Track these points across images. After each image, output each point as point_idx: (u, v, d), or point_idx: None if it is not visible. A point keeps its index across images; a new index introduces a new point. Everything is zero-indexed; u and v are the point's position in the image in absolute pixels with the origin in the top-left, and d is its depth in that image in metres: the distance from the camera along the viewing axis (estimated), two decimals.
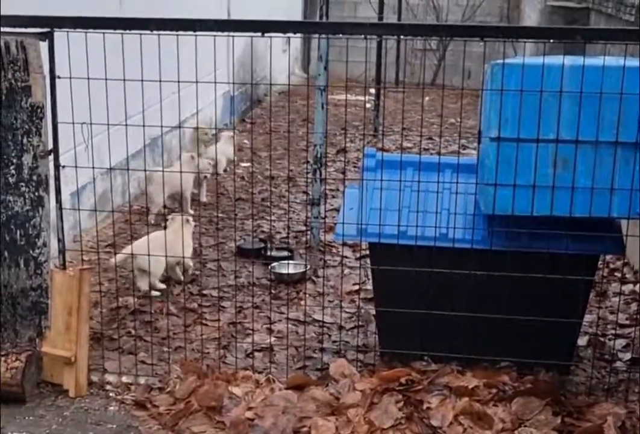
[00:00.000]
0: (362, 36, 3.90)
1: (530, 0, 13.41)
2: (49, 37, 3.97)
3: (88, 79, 3.94)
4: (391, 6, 12.84)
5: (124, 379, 4.27)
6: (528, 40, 3.95)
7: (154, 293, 5.21)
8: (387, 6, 11.30)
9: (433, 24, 12.02)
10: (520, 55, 3.87)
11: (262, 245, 6.17)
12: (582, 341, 4.64)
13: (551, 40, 3.76)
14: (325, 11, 6.18)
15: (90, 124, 4.10)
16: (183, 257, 5.04)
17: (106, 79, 3.91)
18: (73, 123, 4.13)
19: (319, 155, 5.90)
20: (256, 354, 4.59)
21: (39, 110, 4.01)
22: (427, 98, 11.78)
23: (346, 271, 5.66)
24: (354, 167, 8.47)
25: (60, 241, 4.22)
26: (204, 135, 7.68)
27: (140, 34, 3.85)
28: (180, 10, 7.92)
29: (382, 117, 10.17)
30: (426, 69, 13.92)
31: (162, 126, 4.42)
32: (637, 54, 4.08)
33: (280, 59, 12.23)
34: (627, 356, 4.57)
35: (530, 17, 12.90)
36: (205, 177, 7.12)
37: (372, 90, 10.96)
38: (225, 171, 8.14)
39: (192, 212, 6.73)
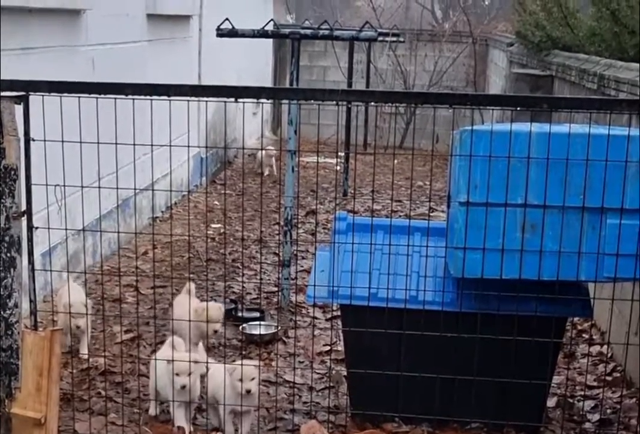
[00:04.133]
0: (334, 102, 3.99)
1: (495, 67, 13.71)
2: (24, 100, 4.01)
3: (62, 141, 3.99)
4: (360, 71, 13.10)
5: None
6: (495, 108, 4.05)
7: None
8: (355, 71, 11.53)
9: (403, 91, 12.28)
10: (487, 121, 3.96)
11: (233, 306, 6.18)
12: (551, 402, 4.67)
13: (518, 108, 3.87)
14: (295, 76, 6.29)
15: (64, 185, 4.13)
16: None
17: (81, 142, 3.96)
18: (46, 185, 4.16)
19: (289, 217, 5.97)
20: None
21: (12, 172, 4.02)
22: (395, 161, 11.93)
23: (317, 331, 5.68)
24: (324, 228, 8.53)
25: (32, 301, 4.22)
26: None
27: (115, 98, 3.90)
28: (150, 74, 8.05)
29: (351, 179, 10.30)
30: (394, 133, 14.13)
31: (135, 189, 4.48)
32: (601, 121, 4.20)
33: (251, 121, 12.37)
34: (596, 417, 4.60)
35: (496, 82, 13.17)
36: None
37: (341, 153, 11.10)
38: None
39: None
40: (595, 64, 6.90)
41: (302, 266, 7.18)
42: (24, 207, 4.11)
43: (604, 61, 6.84)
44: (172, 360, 4.25)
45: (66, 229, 4.34)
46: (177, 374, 4.23)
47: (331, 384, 4.89)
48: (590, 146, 3.71)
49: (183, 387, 4.22)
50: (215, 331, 4.99)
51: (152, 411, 4.62)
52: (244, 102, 3.93)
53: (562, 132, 3.77)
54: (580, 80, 7.14)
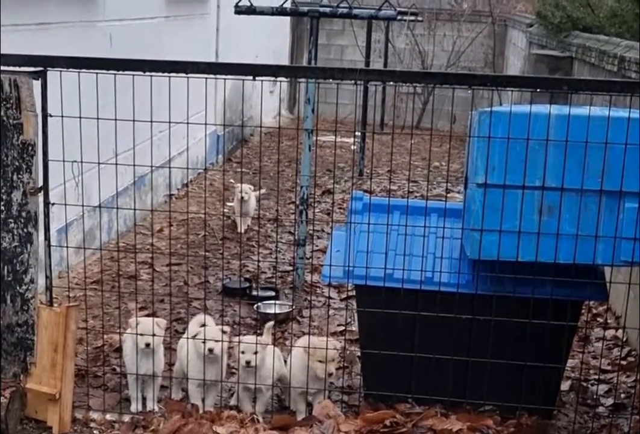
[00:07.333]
0: (353, 81, 3.96)
1: (514, 47, 13.60)
2: (42, 76, 4.01)
3: (80, 118, 3.98)
4: (378, 50, 13.02)
5: (108, 416, 4.26)
6: (515, 89, 4.02)
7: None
8: (373, 50, 11.46)
9: (424, 71, 12.20)
10: (505, 103, 3.93)
11: (248, 284, 6.19)
12: (564, 385, 4.66)
13: (538, 90, 3.83)
14: (314, 54, 6.26)
15: (81, 162, 4.13)
16: None
17: (98, 119, 3.95)
18: (63, 161, 4.16)
19: (305, 196, 5.95)
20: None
21: (30, 147, 4.03)
22: (411, 141, 11.88)
23: (331, 311, 5.67)
24: (339, 208, 8.52)
25: (48, 277, 4.23)
26: None
27: (133, 74, 3.89)
28: (167, 51, 8.02)
29: (367, 159, 10.26)
30: (410, 113, 14.06)
31: (152, 166, 4.47)
32: (621, 104, 4.16)
33: (267, 99, 12.33)
34: (610, 401, 4.59)
35: (515, 63, 13.08)
36: None
37: (358, 133, 11.06)
38: None
39: None
40: (616, 46, 6.84)
41: (317, 246, 7.18)
42: (41, 183, 4.12)
43: (625, 43, 6.78)
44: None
45: (82, 206, 4.34)
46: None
47: (345, 365, 4.89)
48: (610, 128, 3.68)
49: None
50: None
51: (175, 396, 4.53)
52: (262, 80, 3.92)
53: (582, 115, 3.74)
54: (600, 62, 7.07)
